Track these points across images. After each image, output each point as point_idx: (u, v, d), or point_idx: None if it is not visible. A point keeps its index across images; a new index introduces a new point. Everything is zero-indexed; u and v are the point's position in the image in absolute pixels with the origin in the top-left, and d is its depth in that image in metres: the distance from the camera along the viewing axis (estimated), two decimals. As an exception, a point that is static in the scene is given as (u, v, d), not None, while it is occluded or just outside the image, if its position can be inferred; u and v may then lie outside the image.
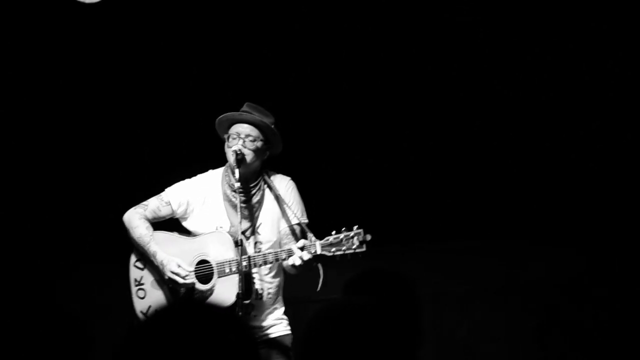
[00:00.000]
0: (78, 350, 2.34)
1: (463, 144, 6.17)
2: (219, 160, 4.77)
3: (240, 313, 4.41)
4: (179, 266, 4.58)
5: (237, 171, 4.54)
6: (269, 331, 4.70)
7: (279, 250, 4.55)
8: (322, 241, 4.44)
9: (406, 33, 6.05)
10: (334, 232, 4.44)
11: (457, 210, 6.13)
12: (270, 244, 4.67)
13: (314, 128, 6.11)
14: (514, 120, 6.12)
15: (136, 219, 4.71)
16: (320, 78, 6.13)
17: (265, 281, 4.69)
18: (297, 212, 4.67)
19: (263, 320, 4.68)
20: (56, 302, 2.39)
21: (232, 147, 4.58)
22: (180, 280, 4.56)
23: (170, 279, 4.60)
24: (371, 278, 3.10)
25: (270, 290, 4.70)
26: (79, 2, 5.52)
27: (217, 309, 2.11)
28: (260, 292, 4.66)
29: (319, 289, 4.50)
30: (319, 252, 4.42)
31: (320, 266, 4.51)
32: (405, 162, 6.17)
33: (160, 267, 4.62)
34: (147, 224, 4.71)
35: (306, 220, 4.69)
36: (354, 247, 4.39)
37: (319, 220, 4.68)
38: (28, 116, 6.20)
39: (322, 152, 6.13)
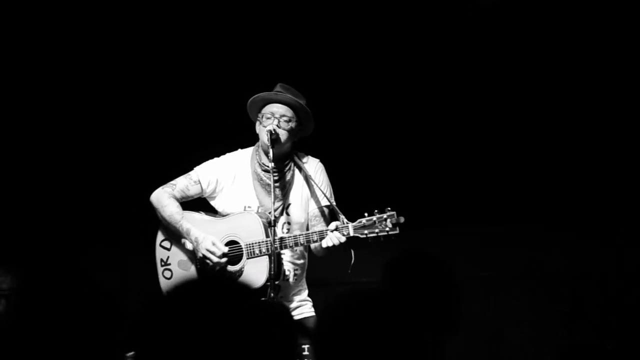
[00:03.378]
0: (111, 322, 2.27)
1: (490, 130, 6.14)
2: (246, 139, 4.73)
3: (272, 294, 4.35)
4: (214, 244, 4.50)
5: (271, 151, 4.46)
6: (294, 312, 4.64)
7: (310, 232, 4.49)
8: (354, 223, 4.39)
9: (437, 20, 6.01)
10: (366, 214, 4.37)
11: (482, 196, 6.10)
12: (299, 224, 4.63)
13: (344, 111, 6.08)
14: (540, 108, 6.09)
15: (165, 198, 4.64)
16: (351, 60, 6.09)
17: (291, 263, 4.64)
18: (326, 194, 4.62)
19: (289, 302, 4.63)
20: (89, 276, 2.33)
21: (267, 127, 4.52)
22: (215, 259, 4.48)
23: (201, 258, 4.52)
24: (412, 260, 3.02)
25: (297, 272, 4.66)
26: None
27: (248, 287, 2.10)
28: (287, 273, 4.62)
29: (349, 271, 4.41)
30: (351, 234, 4.37)
31: (352, 250, 4.41)
32: (431, 149, 6.15)
33: (194, 244, 4.55)
34: (177, 203, 4.65)
35: (334, 203, 4.62)
36: (387, 229, 4.32)
37: (348, 203, 4.62)
38: (66, 99, 6.22)
39: (349, 137, 6.10)
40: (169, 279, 4.65)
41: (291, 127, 4.56)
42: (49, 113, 6.22)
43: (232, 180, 4.66)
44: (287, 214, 4.61)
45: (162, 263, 4.69)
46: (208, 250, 4.50)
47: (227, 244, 4.56)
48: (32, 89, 6.18)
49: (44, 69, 6.16)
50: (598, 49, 5.95)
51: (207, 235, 4.53)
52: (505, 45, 6.03)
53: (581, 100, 6.03)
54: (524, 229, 6.13)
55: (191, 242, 4.57)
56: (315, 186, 4.61)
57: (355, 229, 4.35)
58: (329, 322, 2.19)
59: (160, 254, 4.70)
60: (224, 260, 4.49)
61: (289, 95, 4.57)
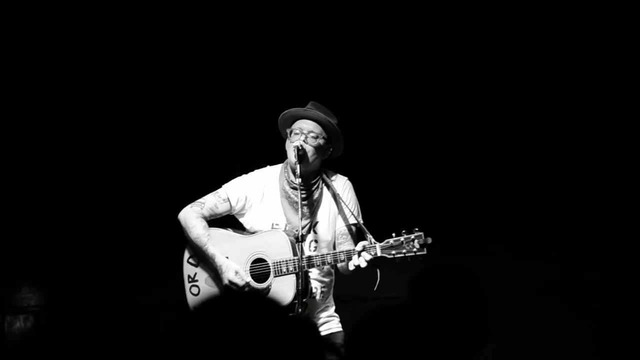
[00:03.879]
0: (144, 338, 2.29)
1: (518, 144, 6.13)
2: (276, 156, 4.73)
3: (300, 310, 4.37)
4: (237, 273, 4.53)
5: (298, 167, 4.46)
6: (321, 328, 4.65)
7: (338, 251, 4.49)
8: (382, 243, 4.38)
9: (465, 35, 5.99)
10: (394, 235, 4.38)
11: (516, 212, 6.07)
12: (326, 242, 4.63)
13: (372, 129, 6.09)
14: (568, 125, 6.07)
15: (193, 219, 4.64)
16: (378, 77, 6.10)
17: (318, 280, 4.64)
18: (354, 212, 4.61)
19: (315, 319, 4.63)
20: (123, 295, 2.35)
21: (294, 143, 4.52)
22: (236, 289, 4.51)
23: (226, 285, 4.55)
24: (437, 275, 3.02)
25: (324, 289, 4.66)
26: None
27: (277, 303, 2.09)
28: (314, 291, 4.62)
29: (375, 289, 4.40)
30: (379, 254, 4.37)
31: (377, 270, 4.41)
32: (463, 163, 6.14)
33: (219, 271, 4.58)
34: (204, 224, 4.65)
35: (362, 221, 4.62)
36: (414, 250, 4.32)
37: (375, 218, 4.64)
38: (90, 115, 6.25)
39: (377, 152, 6.10)
40: (196, 295, 4.67)
41: (319, 143, 4.55)
42: (88, 133, 6.25)
43: (260, 197, 4.66)
44: (315, 232, 4.61)
45: (190, 279, 4.70)
46: (230, 282, 4.53)
47: (254, 262, 4.58)
48: (67, 107, 6.22)
49: (81, 88, 6.20)
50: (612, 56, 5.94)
51: (230, 264, 4.56)
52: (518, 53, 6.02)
53: (605, 110, 6.00)
54: (556, 244, 6.10)
55: (216, 269, 4.60)
56: (343, 204, 4.60)
57: (383, 249, 4.34)
58: (358, 338, 2.20)
59: (187, 270, 4.71)
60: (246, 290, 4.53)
61: (318, 112, 4.58)
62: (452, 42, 6.01)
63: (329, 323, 4.67)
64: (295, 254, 4.46)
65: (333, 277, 4.71)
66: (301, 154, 4.48)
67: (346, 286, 4.81)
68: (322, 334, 4.61)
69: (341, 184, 4.68)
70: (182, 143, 6.21)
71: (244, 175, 4.73)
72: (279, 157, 4.72)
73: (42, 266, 6.20)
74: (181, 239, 4.72)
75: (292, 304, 4.42)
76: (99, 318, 2.27)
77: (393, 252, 4.33)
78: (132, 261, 6.15)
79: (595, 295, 5.96)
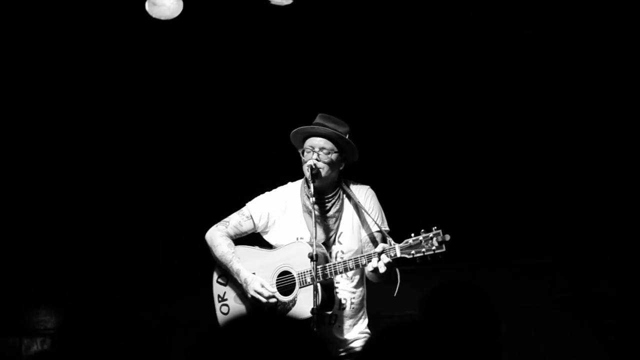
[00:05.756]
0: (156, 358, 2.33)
1: (533, 161, 6.12)
2: (296, 171, 4.78)
3: (315, 328, 4.36)
4: (262, 286, 4.57)
5: (311, 185, 4.52)
6: (353, 344, 4.65)
7: (359, 256, 4.49)
8: (401, 244, 4.38)
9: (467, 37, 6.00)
10: (412, 235, 4.36)
11: (529, 227, 6.04)
12: (352, 252, 4.63)
13: (390, 139, 6.10)
14: (581, 137, 6.05)
15: (218, 237, 4.72)
16: (398, 86, 6.13)
17: (348, 291, 4.65)
18: (377, 220, 4.62)
19: (347, 332, 4.65)
20: (134, 314, 2.39)
21: (307, 162, 4.58)
22: (263, 300, 4.55)
23: (252, 298, 4.60)
24: (448, 292, 3.03)
25: (354, 301, 4.66)
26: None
27: (293, 321, 2.09)
28: (343, 302, 4.63)
29: (395, 294, 4.41)
30: (398, 255, 4.36)
31: (397, 271, 4.42)
32: (478, 179, 6.13)
33: (244, 285, 4.63)
34: (229, 241, 4.73)
35: (387, 228, 4.64)
36: (433, 248, 4.30)
37: (397, 233, 4.63)
38: (122, 137, 6.38)
39: (396, 167, 6.13)
40: (226, 314, 4.72)
41: (331, 159, 4.59)
42: (107, 153, 6.35)
43: (282, 213, 4.71)
44: (340, 243, 4.64)
45: (219, 299, 4.76)
46: (256, 292, 4.56)
47: (280, 275, 4.62)
48: (93, 121, 6.32)
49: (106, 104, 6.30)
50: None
51: (255, 277, 4.60)
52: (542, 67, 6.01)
53: (618, 121, 5.96)
54: (570, 259, 6.05)
55: (241, 283, 4.65)
56: (365, 213, 4.62)
57: (402, 249, 4.34)
58: (369, 356, 2.20)
59: (217, 290, 4.78)
60: (272, 301, 4.55)
61: (327, 127, 4.60)
62: (456, 45, 6.03)
63: (360, 340, 4.66)
64: (319, 263, 4.48)
65: (364, 289, 4.70)
66: (315, 172, 4.54)
67: (374, 302, 4.80)
68: (355, 350, 4.62)
69: (362, 193, 4.70)
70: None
71: (266, 193, 4.79)
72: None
73: (58, 288, 6.27)
74: (203, 256, 4.80)
75: (314, 315, 4.41)
76: (111, 339, 2.31)
77: (412, 251, 4.32)
78: (145, 277, 6.23)
79: (607, 309, 5.92)
